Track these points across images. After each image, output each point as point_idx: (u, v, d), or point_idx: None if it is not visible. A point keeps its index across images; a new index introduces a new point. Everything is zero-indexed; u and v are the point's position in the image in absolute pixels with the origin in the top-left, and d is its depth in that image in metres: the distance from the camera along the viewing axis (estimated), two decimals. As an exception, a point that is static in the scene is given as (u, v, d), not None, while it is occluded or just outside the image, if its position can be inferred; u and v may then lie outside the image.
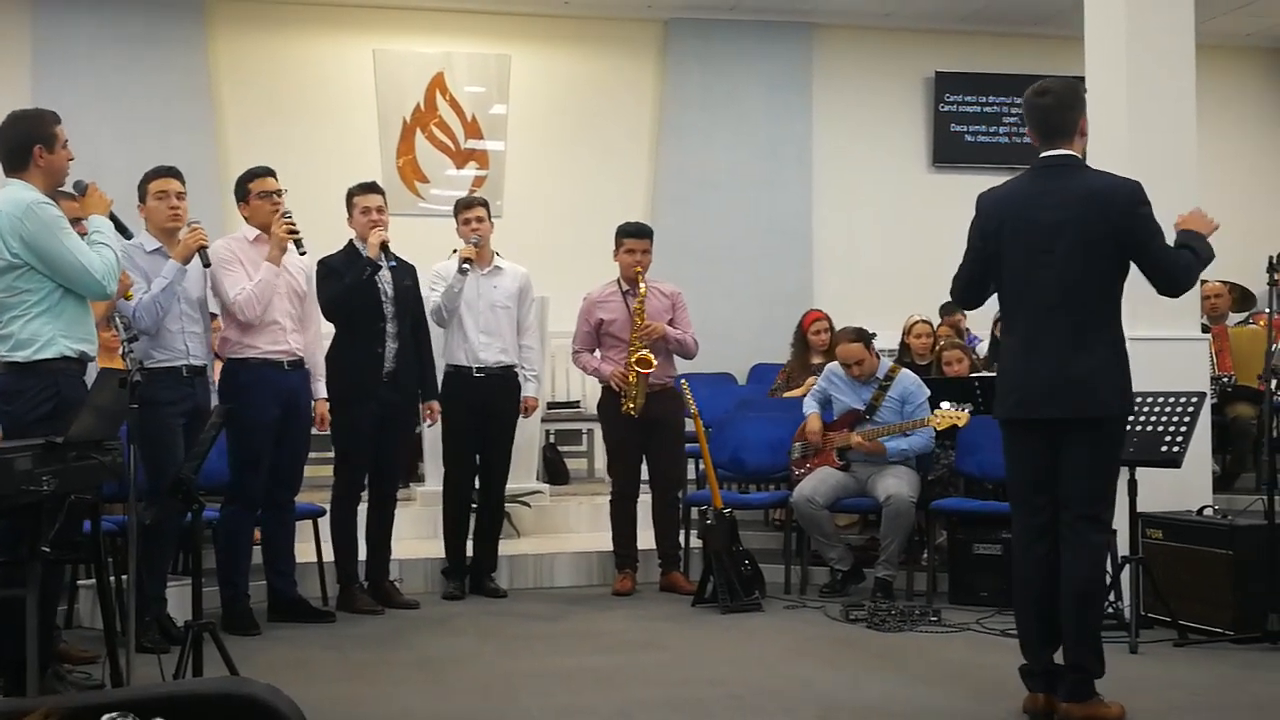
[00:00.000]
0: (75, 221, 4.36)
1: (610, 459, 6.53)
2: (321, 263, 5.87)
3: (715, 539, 5.96)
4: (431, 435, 6.80)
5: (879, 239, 10.58)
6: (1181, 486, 5.42)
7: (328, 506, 5.96)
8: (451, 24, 10.13)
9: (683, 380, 6.48)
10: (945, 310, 8.96)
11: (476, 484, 6.30)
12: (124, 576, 4.50)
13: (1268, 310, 5.82)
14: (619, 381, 6.30)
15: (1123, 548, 5.15)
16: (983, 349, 8.19)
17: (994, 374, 6.95)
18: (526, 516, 7.17)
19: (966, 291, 4.26)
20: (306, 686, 4.33)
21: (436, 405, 6.16)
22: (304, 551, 5.89)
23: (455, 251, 6.22)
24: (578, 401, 9.25)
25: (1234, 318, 8.39)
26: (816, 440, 6.42)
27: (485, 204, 6.40)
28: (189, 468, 4.14)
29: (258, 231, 5.55)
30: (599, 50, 10.39)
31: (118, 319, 4.62)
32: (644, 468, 6.47)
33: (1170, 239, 4.03)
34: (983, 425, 6.15)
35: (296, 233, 5.49)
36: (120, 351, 4.25)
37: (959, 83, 10.79)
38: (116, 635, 4.02)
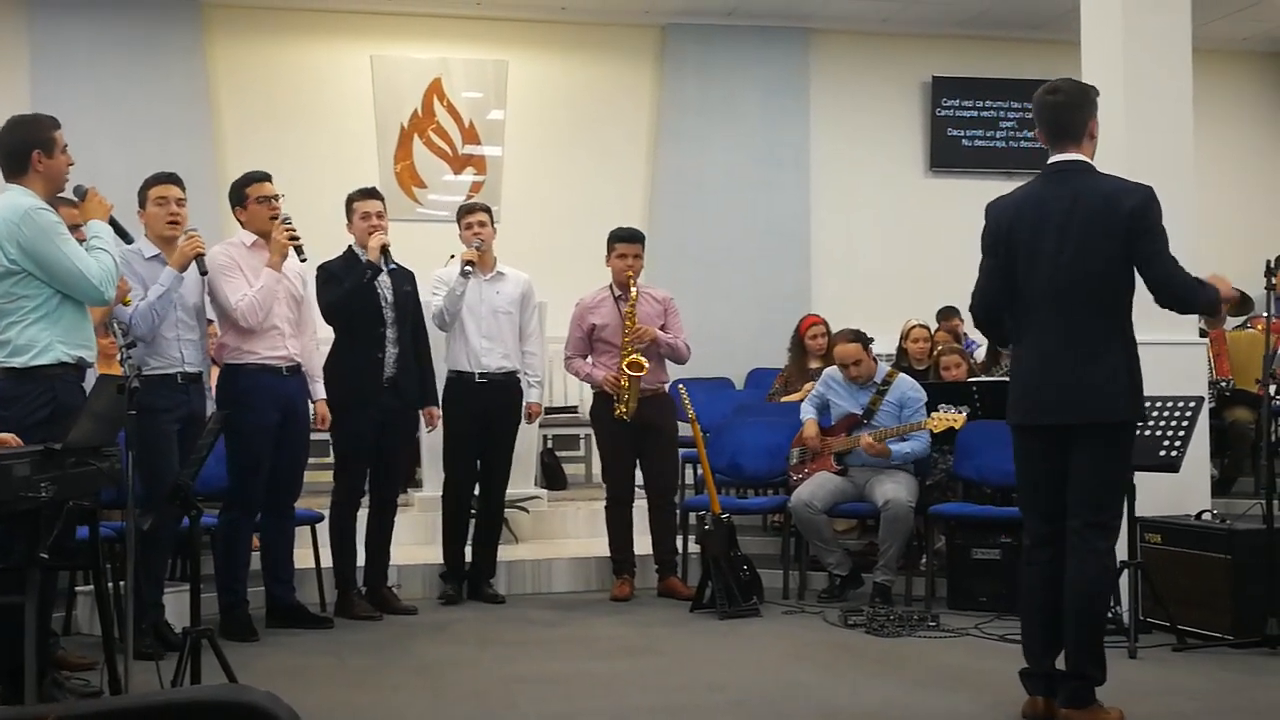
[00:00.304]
0: (75, 228, 4.36)
1: (604, 465, 6.52)
2: (321, 268, 5.86)
3: (713, 544, 5.95)
4: (430, 441, 6.80)
5: (877, 243, 10.59)
6: (1180, 491, 5.42)
7: (326, 512, 5.96)
8: (449, 30, 10.14)
9: (680, 385, 6.47)
10: (943, 315, 8.96)
11: (476, 489, 6.30)
12: (122, 583, 4.50)
13: (1266, 314, 5.83)
14: (611, 385, 6.29)
15: (1121, 552, 5.12)
16: (980, 354, 8.18)
17: (991, 379, 7.00)
18: (524, 522, 7.16)
19: (990, 311, 4.15)
20: (305, 693, 4.32)
21: (437, 410, 6.16)
22: (302, 558, 5.89)
23: (454, 257, 6.21)
24: (575, 406, 9.24)
25: (1232, 322, 8.38)
26: (815, 445, 6.42)
27: (488, 209, 6.40)
28: (187, 474, 4.14)
29: (255, 237, 5.52)
30: (596, 55, 10.40)
31: (115, 325, 4.62)
32: (639, 473, 6.46)
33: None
34: (981, 430, 6.15)
35: (297, 239, 5.47)
36: (118, 357, 4.24)
37: (956, 87, 10.80)
38: (114, 642, 4.01)
